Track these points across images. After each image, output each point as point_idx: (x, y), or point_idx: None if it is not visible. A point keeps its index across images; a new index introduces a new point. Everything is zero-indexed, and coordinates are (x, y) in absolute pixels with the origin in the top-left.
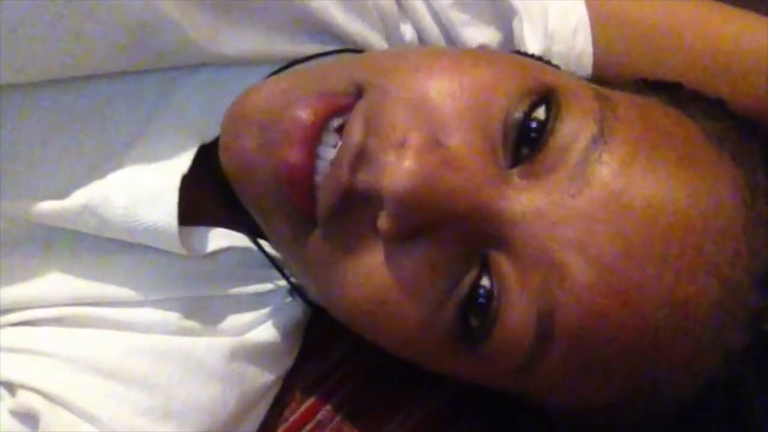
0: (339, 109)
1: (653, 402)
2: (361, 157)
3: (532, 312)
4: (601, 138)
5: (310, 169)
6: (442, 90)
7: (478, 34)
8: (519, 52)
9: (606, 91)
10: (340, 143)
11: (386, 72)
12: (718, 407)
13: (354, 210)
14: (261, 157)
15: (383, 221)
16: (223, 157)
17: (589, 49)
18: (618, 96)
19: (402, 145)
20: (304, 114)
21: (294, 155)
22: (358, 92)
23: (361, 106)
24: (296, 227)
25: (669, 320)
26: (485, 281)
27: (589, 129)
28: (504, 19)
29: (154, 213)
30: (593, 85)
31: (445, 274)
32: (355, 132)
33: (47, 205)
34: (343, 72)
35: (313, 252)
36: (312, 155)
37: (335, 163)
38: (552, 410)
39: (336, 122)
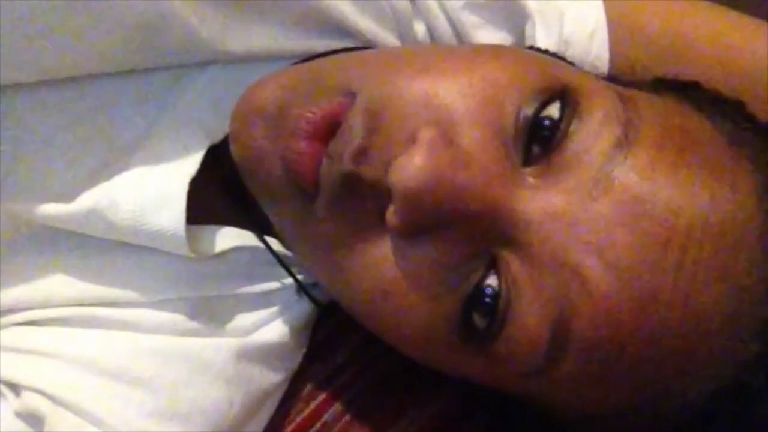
0: (345, 108)
1: (663, 409)
2: (363, 152)
3: (546, 316)
4: (625, 141)
5: (317, 156)
6: (452, 88)
7: (490, 37)
8: (535, 49)
9: (628, 92)
10: (339, 138)
11: (392, 70)
12: (729, 416)
13: (359, 196)
14: (269, 146)
15: (391, 216)
16: (233, 146)
17: (606, 54)
18: (639, 97)
19: (412, 140)
20: (311, 113)
21: (302, 145)
22: (354, 91)
23: (362, 102)
24: (301, 207)
25: (683, 328)
26: (492, 281)
27: (613, 131)
28: (516, 23)
29: (162, 217)
30: (614, 86)
31: (453, 271)
32: (357, 127)
33: (53, 208)
34: (344, 69)
35: (319, 234)
36: (319, 147)
37: (337, 155)
38: (560, 414)
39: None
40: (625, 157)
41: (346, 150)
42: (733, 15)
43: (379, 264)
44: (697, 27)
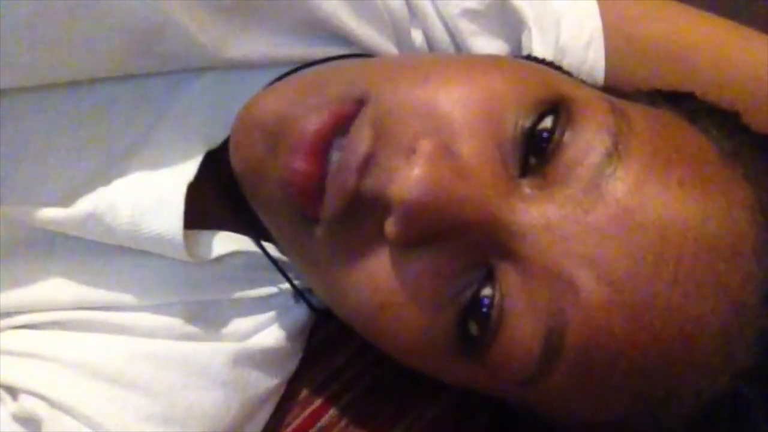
0: (347, 117)
1: (658, 420)
2: (369, 163)
3: (540, 327)
4: (615, 152)
5: (316, 175)
6: (453, 98)
7: (487, 45)
8: (532, 58)
9: (621, 103)
10: (346, 148)
11: (395, 79)
12: (724, 426)
13: (359, 213)
14: (269, 161)
15: (390, 228)
16: (233, 158)
17: (602, 63)
18: (632, 108)
19: (412, 151)
20: (312, 126)
21: (301, 163)
22: (364, 99)
23: (369, 111)
24: (301, 227)
25: (677, 339)
26: (488, 291)
27: (603, 143)
28: (513, 31)
29: (160, 222)
30: (608, 97)
31: (451, 282)
32: (364, 137)
33: (51, 212)
34: (350, 78)
35: (317, 252)
36: (318, 164)
37: (342, 167)
38: (555, 422)
39: (344, 130)
40: (615, 170)
41: (352, 159)
42: (730, 25)
43: (377, 276)
44: (694, 37)
